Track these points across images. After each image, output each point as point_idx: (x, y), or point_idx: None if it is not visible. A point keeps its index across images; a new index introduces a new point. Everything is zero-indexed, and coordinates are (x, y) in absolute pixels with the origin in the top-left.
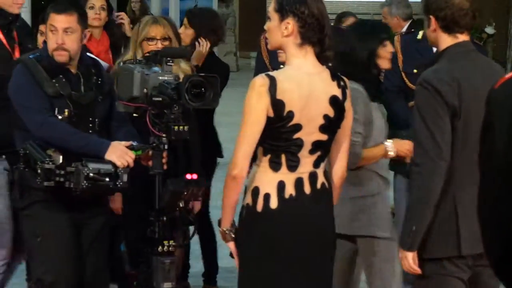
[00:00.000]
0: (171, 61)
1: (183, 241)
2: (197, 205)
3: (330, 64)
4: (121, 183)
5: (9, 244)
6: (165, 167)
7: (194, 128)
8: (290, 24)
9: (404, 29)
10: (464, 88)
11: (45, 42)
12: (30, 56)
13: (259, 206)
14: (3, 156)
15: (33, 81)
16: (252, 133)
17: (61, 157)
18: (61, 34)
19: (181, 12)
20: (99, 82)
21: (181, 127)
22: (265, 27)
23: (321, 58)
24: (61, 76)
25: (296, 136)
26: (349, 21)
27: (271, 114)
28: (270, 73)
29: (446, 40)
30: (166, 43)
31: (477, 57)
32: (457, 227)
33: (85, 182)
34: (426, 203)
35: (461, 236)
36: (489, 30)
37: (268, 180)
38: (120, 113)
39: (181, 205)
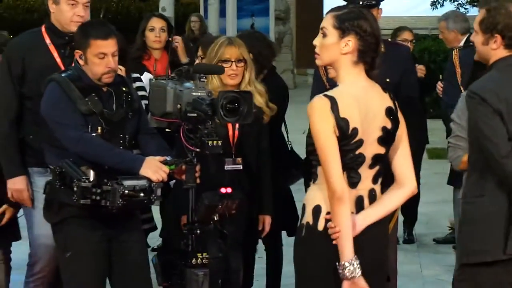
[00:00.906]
0: (204, 77)
1: (218, 253)
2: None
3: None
4: (155, 197)
5: (46, 257)
6: (198, 181)
7: (266, 149)
8: (352, 41)
9: (461, 43)
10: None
11: (76, 61)
12: (62, 75)
13: (321, 225)
14: (48, 170)
15: (67, 98)
16: (334, 155)
17: (92, 173)
18: (111, 59)
19: (239, 31)
20: (129, 99)
21: (214, 142)
22: (317, 43)
23: (370, 76)
24: (93, 94)
25: (358, 151)
26: (404, 35)
27: (337, 134)
28: (327, 93)
29: (499, 54)
30: (241, 64)
31: None
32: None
33: (120, 200)
34: None
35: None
36: None
37: None
38: (148, 126)
39: (215, 219)
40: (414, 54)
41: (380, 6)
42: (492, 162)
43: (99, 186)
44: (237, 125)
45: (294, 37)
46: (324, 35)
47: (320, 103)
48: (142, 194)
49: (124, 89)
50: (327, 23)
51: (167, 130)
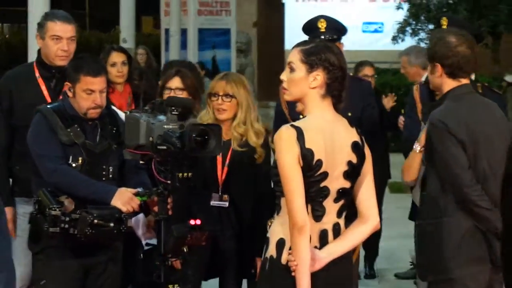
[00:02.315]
0: (175, 110)
1: (188, 285)
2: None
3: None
4: (125, 228)
5: (24, 285)
6: (170, 212)
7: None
8: (320, 75)
9: (423, 78)
10: (470, 125)
11: (64, 93)
12: (48, 106)
13: (284, 259)
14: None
15: (49, 130)
16: (297, 185)
17: (67, 202)
18: (98, 95)
19: (200, 64)
20: (114, 131)
21: (185, 174)
22: (284, 77)
23: (336, 109)
24: (76, 125)
25: (323, 184)
26: (365, 71)
27: (301, 164)
28: (294, 123)
29: (450, 84)
30: (229, 99)
31: (477, 97)
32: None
33: (88, 228)
34: None
35: None
36: (509, 78)
37: None
38: (136, 162)
39: (185, 250)
40: (377, 88)
41: (342, 41)
42: (455, 190)
43: (69, 214)
44: (227, 161)
45: (255, 69)
46: (292, 70)
47: (286, 133)
48: (111, 224)
49: (110, 121)
50: (295, 57)
51: (141, 162)
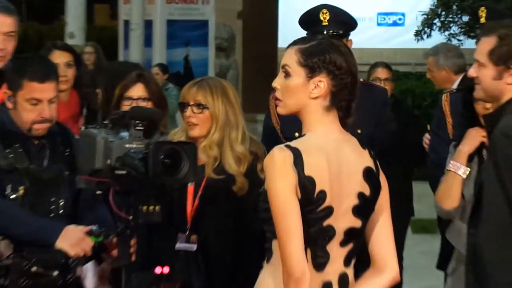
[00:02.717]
0: (140, 125)
1: None
2: None
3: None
4: (73, 277)
5: None
6: (133, 258)
7: None
8: (324, 82)
9: (454, 85)
10: None
11: (3, 104)
12: None
13: None
14: None
15: None
16: (293, 223)
17: (11, 248)
18: (46, 106)
19: (170, 64)
20: (67, 153)
21: (151, 208)
22: (277, 85)
23: (343, 124)
24: (17, 145)
25: (327, 223)
26: (378, 73)
27: (299, 196)
28: (291, 143)
29: None
30: (199, 110)
31: None
32: None
33: (24, 278)
34: None
35: None
36: None
37: None
38: (92, 192)
39: None
40: (395, 96)
41: (350, 37)
42: None
43: None
44: (199, 191)
45: (240, 73)
46: (287, 75)
47: (280, 155)
48: (55, 273)
49: (62, 140)
50: (291, 59)
51: (97, 192)
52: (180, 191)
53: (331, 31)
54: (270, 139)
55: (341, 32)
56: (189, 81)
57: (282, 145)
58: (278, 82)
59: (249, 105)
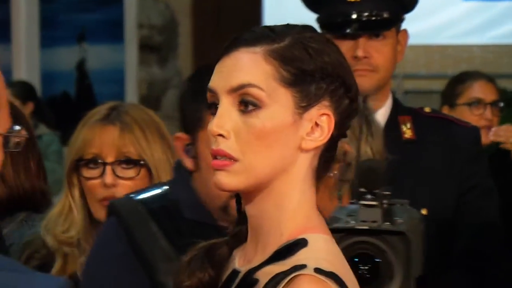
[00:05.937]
0: None
1: None
2: None
3: None
4: None
5: None
6: None
7: None
8: (329, 116)
9: None
10: None
11: None
12: None
13: None
14: None
15: None
16: None
17: None
18: None
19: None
20: None
21: None
22: (225, 130)
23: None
24: None
25: None
26: (477, 91)
27: None
28: (322, 267)
29: None
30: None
31: None
32: None
33: None
34: None
35: None
36: None
37: None
38: None
39: None
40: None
41: (403, 26)
42: None
43: None
44: None
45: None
46: (255, 107)
47: None
48: None
49: None
50: (259, 72)
51: None
52: None
53: (365, 14)
54: None
55: (385, 15)
56: (86, 113)
57: (313, 273)
58: (229, 125)
59: None
